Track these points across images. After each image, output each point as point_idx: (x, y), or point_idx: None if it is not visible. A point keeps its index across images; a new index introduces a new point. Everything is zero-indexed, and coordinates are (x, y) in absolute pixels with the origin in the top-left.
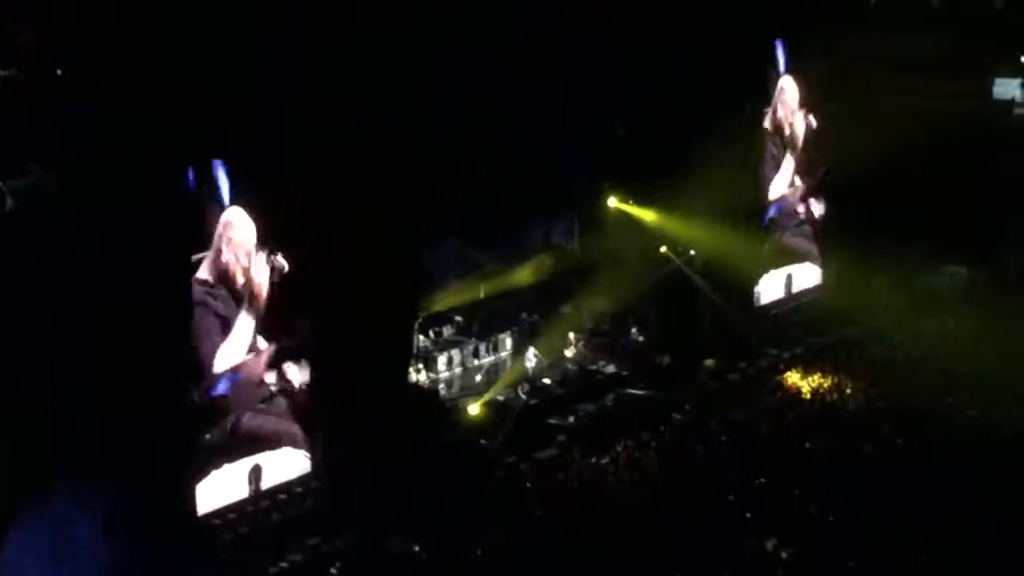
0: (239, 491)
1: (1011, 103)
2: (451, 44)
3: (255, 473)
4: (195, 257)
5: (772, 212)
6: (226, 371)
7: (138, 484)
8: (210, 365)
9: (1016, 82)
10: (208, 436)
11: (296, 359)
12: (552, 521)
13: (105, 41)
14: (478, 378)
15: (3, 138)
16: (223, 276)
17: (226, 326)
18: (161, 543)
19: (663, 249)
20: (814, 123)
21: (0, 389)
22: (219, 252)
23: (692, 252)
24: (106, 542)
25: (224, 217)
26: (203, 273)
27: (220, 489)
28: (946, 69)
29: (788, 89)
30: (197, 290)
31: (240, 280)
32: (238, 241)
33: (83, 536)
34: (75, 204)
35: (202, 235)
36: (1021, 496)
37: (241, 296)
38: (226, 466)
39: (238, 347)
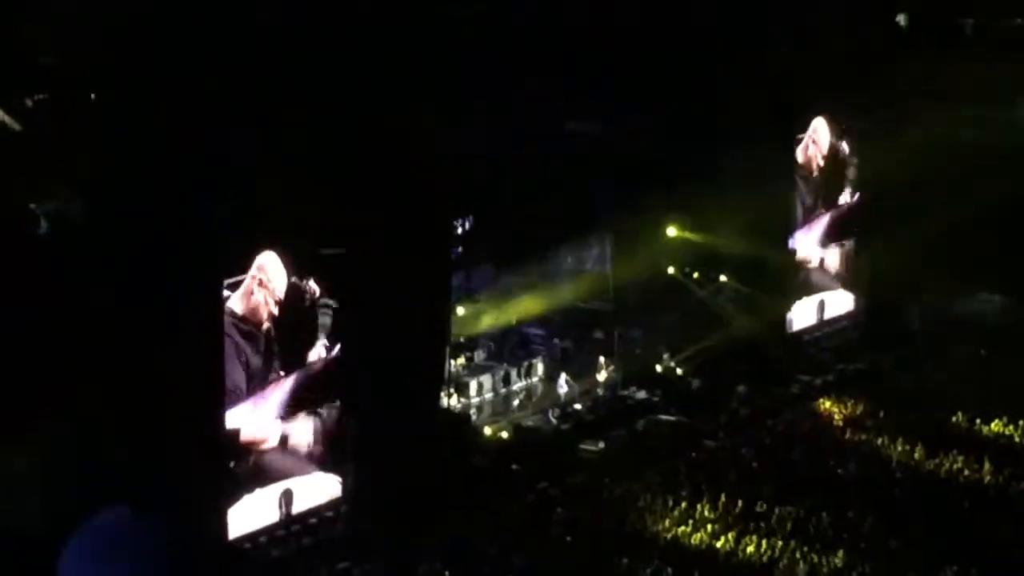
0: (270, 515)
1: None
2: (476, 69)
3: (286, 497)
4: (229, 281)
5: (802, 239)
6: (251, 400)
7: (169, 510)
8: (236, 394)
9: None
10: (234, 466)
11: (327, 385)
12: (581, 546)
13: (134, 65)
14: (509, 403)
15: (34, 162)
16: (252, 312)
17: (251, 355)
18: (193, 569)
19: (695, 275)
20: (846, 150)
21: (25, 412)
22: (251, 293)
23: (723, 278)
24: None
25: (258, 260)
26: (233, 305)
27: (251, 514)
28: (978, 95)
29: (820, 129)
30: (226, 321)
31: (267, 317)
32: (270, 287)
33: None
34: (105, 227)
35: (236, 260)
36: None
37: (269, 329)
38: (257, 490)
39: (263, 376)
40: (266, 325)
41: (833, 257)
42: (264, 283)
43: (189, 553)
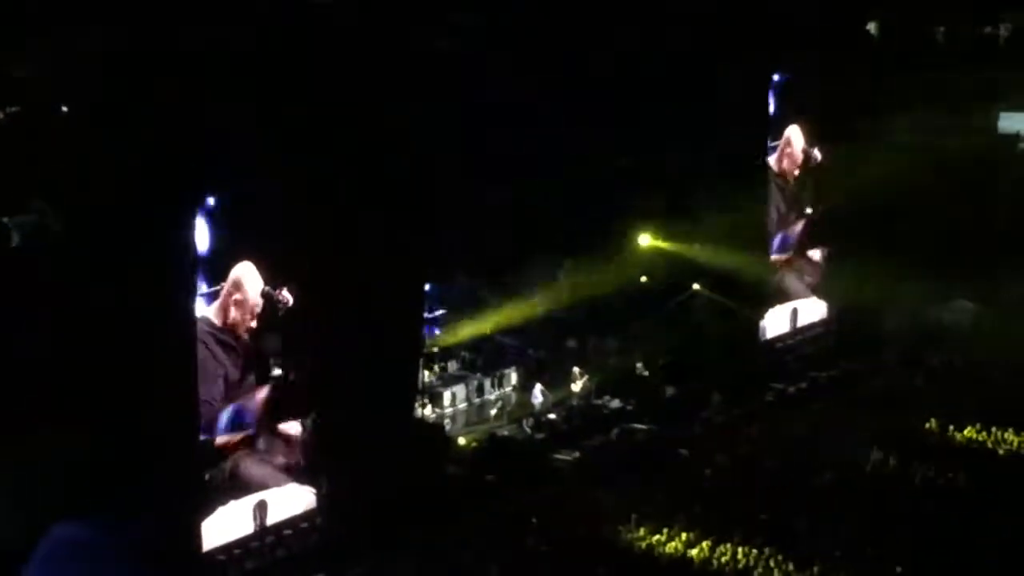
0: (244, 527)
1: (1017, 137)
2: (453, 83)
3: (260, 509)
4: (208, 290)
5: (776, 246)
6: (226, 410)
7: (143, 522)
8: (211, 404)
9: (1022, 116)
10: (208, 477)
11: (301, 396)
12: (556, 556)
13: (108, 78)
14: (483, 413)
15: (7, 175)
16: (229, 323)
17: (228, 366)
18: None
19: (668, 284)
20: (819, 157)
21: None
22: (228, 303)
23: (696, 286)
24: None
25: (234, 273)
26: (211, 315)
27: (225, 525)
28: (951, 103)
29: (794, 137)
30: (202, 329)
31: (244, 328)
32: (247, 297)
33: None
34: (78, 240)
35: (213, 269)
36: None
37: (244, 339)
38: (231, 502)
39: (239, 386)
40: (243, 335)
41: (807, 265)
42: (241, 293)
43: (156, 563)
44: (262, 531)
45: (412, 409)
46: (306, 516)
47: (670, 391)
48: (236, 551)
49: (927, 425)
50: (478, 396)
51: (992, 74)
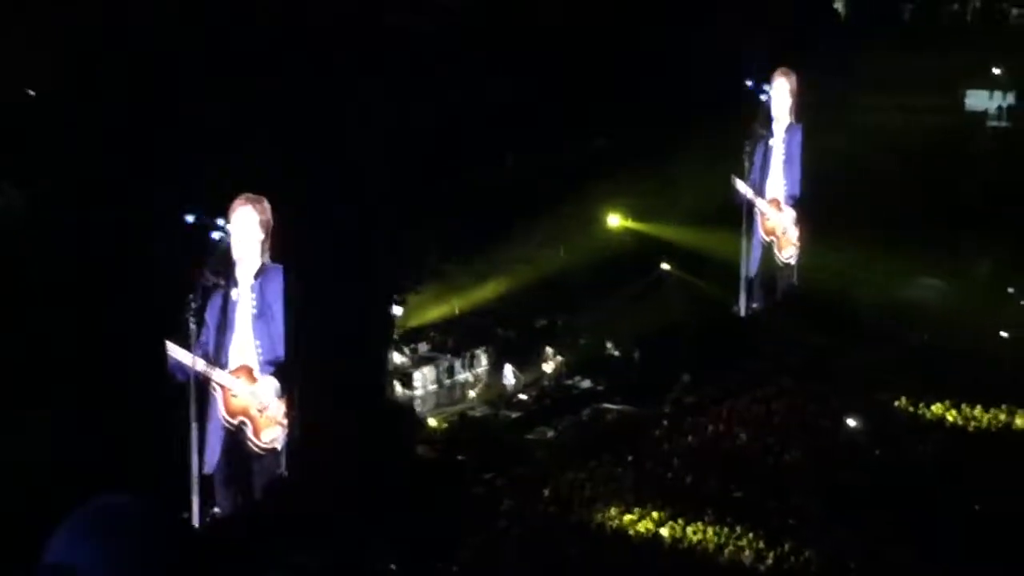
0: (212, 507)
1: (984, 115)
2: (428, 54)
3: (229, 489)
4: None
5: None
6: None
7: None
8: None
9: (988, 94)
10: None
11: (270, 375)
12: (529, 538)
13: (77, 60)
14: (454, 394)
15: None
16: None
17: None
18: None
19: (639, 262)
20: (797, 134)
21: None
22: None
23: (666, 265)
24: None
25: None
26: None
27: (196, 503)
28: (919, 82)
29: (778, 90)
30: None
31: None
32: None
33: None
34: (48, 223)
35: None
36: (999, 499)
37: (225, 315)
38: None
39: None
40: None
41: (778, 242)
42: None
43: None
44: (231, 513)
45: (382, 391)
46: (276, 498)
47: (636, 354)
48: (210, 530)
49: (897, 403)
50: (449, 377)
51: (959, 52)
